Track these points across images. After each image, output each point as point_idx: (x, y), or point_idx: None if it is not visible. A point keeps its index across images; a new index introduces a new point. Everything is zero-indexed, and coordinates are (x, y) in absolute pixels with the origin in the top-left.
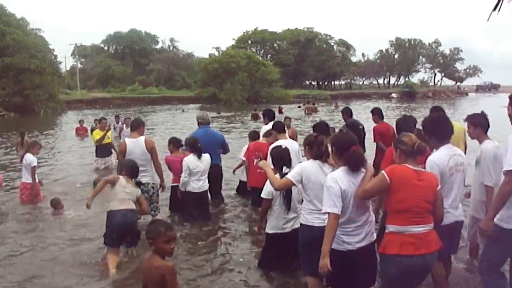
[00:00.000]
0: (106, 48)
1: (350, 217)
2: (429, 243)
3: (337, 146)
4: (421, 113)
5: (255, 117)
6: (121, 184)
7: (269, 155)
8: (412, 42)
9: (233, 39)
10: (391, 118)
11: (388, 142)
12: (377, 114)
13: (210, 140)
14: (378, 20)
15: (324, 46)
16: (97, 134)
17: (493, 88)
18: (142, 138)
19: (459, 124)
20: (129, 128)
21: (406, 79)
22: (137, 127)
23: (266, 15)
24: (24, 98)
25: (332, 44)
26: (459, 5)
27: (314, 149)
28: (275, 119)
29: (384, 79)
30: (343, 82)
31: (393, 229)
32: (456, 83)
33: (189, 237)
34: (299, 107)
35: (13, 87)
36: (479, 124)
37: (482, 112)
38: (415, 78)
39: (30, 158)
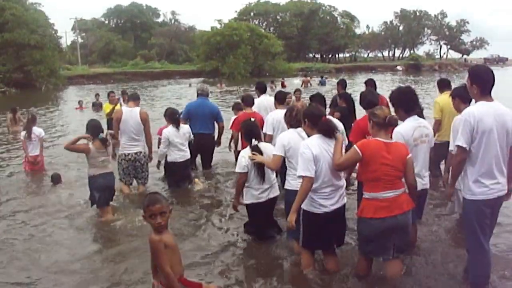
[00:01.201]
0: (106, 22)
1: (325, 181)
2: (401, 205)
3: (310, 117)
4: (428, 86)
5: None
6: (94, 153)
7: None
8: (417, 14)
9: (236, 11)
10: None
11: None
12: (370, 85)
13: (205, 111)
14: None
15: (328, 18)
16: (107, 107)
17: (500, 61)
18: (138, 108)
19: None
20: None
21: (411, 51)
22: (135, 98)
23: None
24: (25, 74)
25: (336, 16)
26: None
27: (287, 118)
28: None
29: (389, 52)
30: (347, 55)
31: (368, 195)
32: (462, 55)
33: (184, 211)
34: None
35: (14, 63)
36: (456, 96)
37: (462, 85)
38: (421, 51)
39: (38, 130)
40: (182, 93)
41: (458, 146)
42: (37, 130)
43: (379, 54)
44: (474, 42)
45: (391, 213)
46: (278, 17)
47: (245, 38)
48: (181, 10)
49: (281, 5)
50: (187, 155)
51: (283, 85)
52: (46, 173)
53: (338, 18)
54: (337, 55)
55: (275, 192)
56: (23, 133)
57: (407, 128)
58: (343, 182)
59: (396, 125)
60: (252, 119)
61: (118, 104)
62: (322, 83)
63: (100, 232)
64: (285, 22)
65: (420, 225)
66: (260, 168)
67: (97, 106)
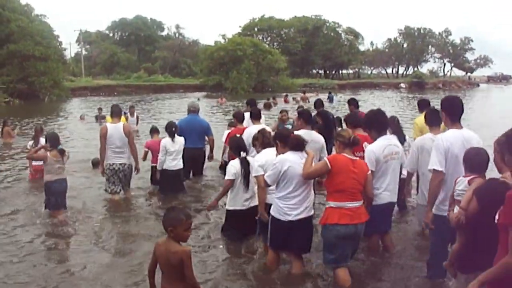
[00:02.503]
0: (111, 34)
1: (292, 192)
2: (360, 215)
3: (279, 138)
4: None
5: (267, 106)
6: (51, 160)
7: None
8: (422, 31)
9: (240, 27)
10: (402, 107)
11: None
12: (353, 104)
13: (195, 126)
14: (387, 8)
15: (332, 34)
16: (108, 120)
17: (504, 79)
18: (121, 123)
19: None
20: (134, 117)
21: (415, 69)
22: (118, 114)
23: (274, 2)
24: (28, 85)
25: (340, 32)
26: None
27: (259, 142)
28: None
29: (392, 69)
30: (351, 71)
31: (333, 204)
32: (466, 73)
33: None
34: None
35: (18, 74)
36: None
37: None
38: (424, 68)
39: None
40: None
41: (434, 170)
42: (43, 141)
43: (383, 71)
44: (478, 60)
45: (352, 222)
46: (282, 33)
47: (249, 53)
48: (186, 24)
49: (285, 21)
50: (179, 164)
51: (285, 101)
52: None
53: (342, 35)
54: (340, 71)
55: (256, 201)
56: (30, 143)
57: (378, 146)
58: (311, 195)
59: (358, 144)
60: (238, 135)
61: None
62: (330, 99)
63: (113, 239)
64: (289, 38)
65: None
66: (246, 177)
67: (99, 119)
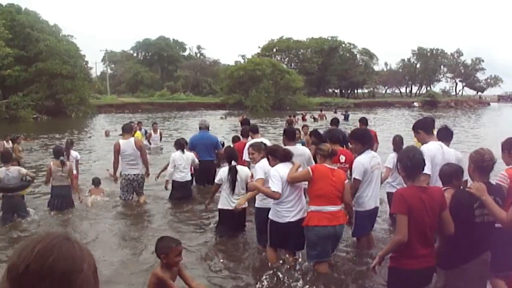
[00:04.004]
0: (135, 54)
1: (286, 196)
2: (338, 218)
3: (271, 153)
4: (444, 121)
5: (290, 123)
6: (54, 169)
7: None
8: (434, 52)
9: (259, 47)
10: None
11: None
12: (362, 122)
13: (206, 142)
14: (401, 30)
15: (348, 55)
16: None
17: None
18: (132, 139)
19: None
20: (157, 133)
21: (428, 88)
22: (129, 131)
23: (292, 24)
24: (56, 101)
25: (355, 53)
26: (481, 16)
27: (262, 153)
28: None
29: (406, 88)
30: (365, 91)
31: (314, 208)
32: (477, 92)
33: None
34: (312, 116)
35: (46, 91)
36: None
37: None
38: (437, 88)
39: (75, 153)
40: (215, 125)
41: (424, 174)
42: (73, 153)
43: (397, 91)
44: (489, 80)
45: (331, 223)
46: (299, 54)
47: (267, 73)
48: (207, 44)
49: (302, 41)
50: (187, 176)
51: (303, 119)
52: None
53: (358, 55)
54: (355, 91)
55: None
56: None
57: (366, 159)
58: (303, 199)
59: (335, 155)
60: (231, 146)
61: (138, 132)
62: (346, 117)
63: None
64: (306, 58)
65: (374, 233)
66: (232, 182)
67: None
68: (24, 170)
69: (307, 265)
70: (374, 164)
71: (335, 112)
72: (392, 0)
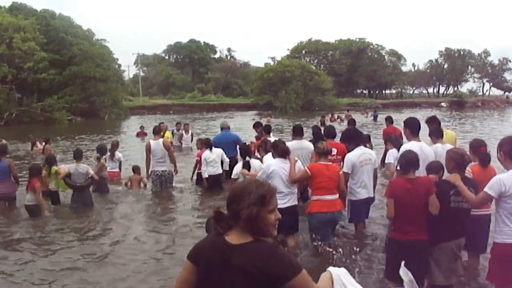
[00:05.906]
0: (167, 57)
1: (279, 188)
2: (336, 205)
3: (273, 148)
4: (468, 121)
5: (322, 123)
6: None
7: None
8: (461, 53)
9: (288, 49)
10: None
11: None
12: (388, 120)
13: (228, 140)
14: (429, 30)
15: (376, 56)
16: (167, 134)
17: None
18: (161, 140)
19: (452, 132)
20: (189, 134)
21: (455, 88)
22: (158, 132)
23: (320, 26)
24: (89, 104)
25: (383, 54)
26: (509, 16)
27: (263, 148)
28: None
29: (433, 89)
30: (393, 91)
31: (315, 198)
32: (504, 92)
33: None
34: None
35: (80, 94)
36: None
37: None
38: (464, 88)
39: (119, 154)
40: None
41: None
42: (117, 154)
43: (424, 91)
44: None
45: (330, 210)
46: (328, 55)
47: (297, 74)
48: (237, 47)
49: (331, 43)
50: (218, 171)
51: (331, 119)
52: (121, 181)
53: (386, 56)
54: (384, 91)
55: None
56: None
57: (355, 155)
58: (295, 191)
59: (330, 153)
60: (248, 143)
61: (168, 132)
62: (375, 117)
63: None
64: (335, 60)
65: (368, 222)
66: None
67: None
68: (91, 171)
69: (306, 240)
70: (364, 159)
71: (366, 113)
72: (420, 1)
